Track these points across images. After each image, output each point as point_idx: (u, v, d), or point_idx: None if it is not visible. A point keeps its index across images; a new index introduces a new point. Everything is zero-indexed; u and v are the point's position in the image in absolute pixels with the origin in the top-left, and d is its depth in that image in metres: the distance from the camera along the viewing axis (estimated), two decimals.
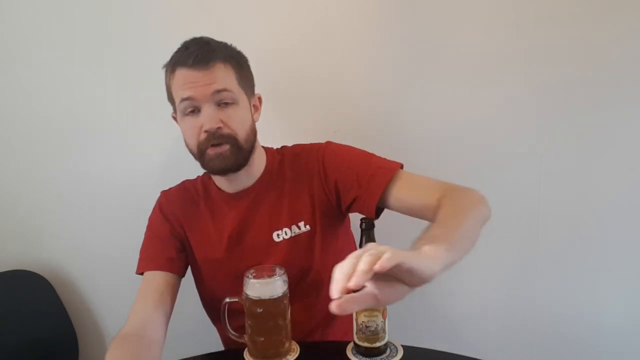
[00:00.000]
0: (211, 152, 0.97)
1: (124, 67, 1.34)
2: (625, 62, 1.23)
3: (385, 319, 0.90)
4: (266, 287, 0.89)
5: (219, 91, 0.95)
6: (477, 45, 1.27)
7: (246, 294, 0.90)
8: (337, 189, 1.04)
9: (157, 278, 1.01)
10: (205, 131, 0.95)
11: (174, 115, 1.05)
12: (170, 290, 1.01)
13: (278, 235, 1.05)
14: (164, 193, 1.12)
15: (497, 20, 1.25)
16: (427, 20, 1.27)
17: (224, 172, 1.01)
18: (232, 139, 0.97)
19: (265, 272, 0.91)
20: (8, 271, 1.37)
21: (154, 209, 1.11)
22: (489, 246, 1.37)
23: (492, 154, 1.33)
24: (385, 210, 1.01)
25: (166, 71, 1.01)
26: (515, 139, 1.31)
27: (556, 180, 1.31)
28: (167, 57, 1.29)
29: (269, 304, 0.89)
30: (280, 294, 0.90)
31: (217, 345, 1.12)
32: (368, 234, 0.90)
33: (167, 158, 1.38)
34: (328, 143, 1.09)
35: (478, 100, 1.30)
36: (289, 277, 0.95)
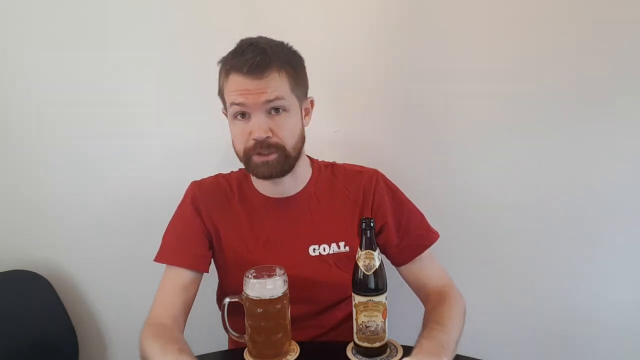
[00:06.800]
0: (257, 159, 0.98)
1: (125, 66, 1.34)
2: (626, 61, 1.23)
3: (385, 319, 0.90)
4: (266, 287, 0.89)
5: (270, 101, 0.95)
6: (480, 48, 1.27)
7: (246, 294, 0.91)
8: (381, 228, 1.07)
9: (185, 275, 1.02)
10: (254, 139, 0.96)
11: (224, 111, 1.05)
12: (195, 287, 1.04)
13: (314, 249, 1.05)
14: (196, 184, 1.10)
15: (497, 20, 1.26)
16: (432, 21, 1.27)
17: (268, 178, 1.00)
18: (280, 148, 0.97)
19: (265, 272, 0.91)
20: (8, 271, 1.37)
21: (184, 199, 1.09)
22: (489, 245, 1.37)
23: (491, 153, 1.33)
24: None
25: (220, 70, 1.01)
26: (515, 137, 1.31)
27: (555, 178, 1.32)
28: (171, 57, 1.32)
29: (269, 304, 0.89)
30: (280, 294, 0.90)
31: (218, 346, 1.12)
32: (367, 234, 0.90)
33: (167, 159, 1.38)
34: (381, 176, 1.11)
35: (477, 100, 1.30)
36: (315, 294, 0.98)
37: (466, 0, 1.25)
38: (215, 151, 1.34)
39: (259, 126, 0.95)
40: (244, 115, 0.97)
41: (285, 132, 0.98)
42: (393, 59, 1.31)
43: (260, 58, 0.94)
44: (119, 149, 1.39)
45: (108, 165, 1.40)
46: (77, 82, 1.34)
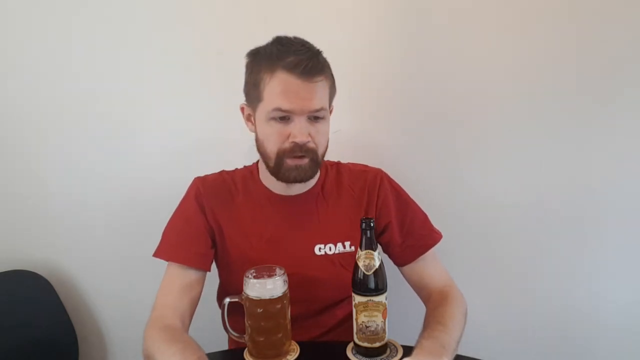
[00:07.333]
0: (291, 162, 0.97)
1: (125, 66, 1.34)
2: (626, 61, 1.23)
3: (385, 319, 0.90)
4: (266, 287, 0.89)
5: (316, 110, 0.95)
6: (480, 47, 1.27)
7: (246, 294, 0.90)
8: (385, 227, 1.08)
9: (189, 273, 1.01)
10: (294, 142, 0.95)
11: (243, 106, 1.03)
12: (200, 286, 1.03)
13: (320, 249, 1.05)
14: (200, 180, 1.08)
15: (497, 20, 1.26)
16: (433, 22, 1.28)
17: (299, 182, 0.99)
18: (313, 153, 0.97)
19: (265, 272, 0.91)
20: (8, 271, 1.37)
21: (187, 194, 1.07)
22: (489, 245, 1.37)
23: (491, 153, 1.33)
24: None
25: (257, 64, 0.96)
26: (515, 137, 1.31)
27: (555, 178, 1.32)
28: (171, 57, 1.31)
29: (269, 304, 0.89)
30: (280, 294, 0.90)
31: (218, 346, 1.12)
32: (367, 234, 0.90)
33: (167, 159, 1.38)
34: (385, 175, 1.11)
35: (477, 100, 1.30)
36: (319, 293, 0.99)
37: (466, 0, 1.25)
38: (215, 151, 1.34)
39: (300, 130, 0.94)
40: (283, 118, 0.95)
41: (322, 138, 0.99)
42: (393, 60, 1.31)
43: (315, 60, 0.93)
44: (119, 149, 1.39)
45: (108, 165, 1.39)
46: (77, 82, 1.34)
